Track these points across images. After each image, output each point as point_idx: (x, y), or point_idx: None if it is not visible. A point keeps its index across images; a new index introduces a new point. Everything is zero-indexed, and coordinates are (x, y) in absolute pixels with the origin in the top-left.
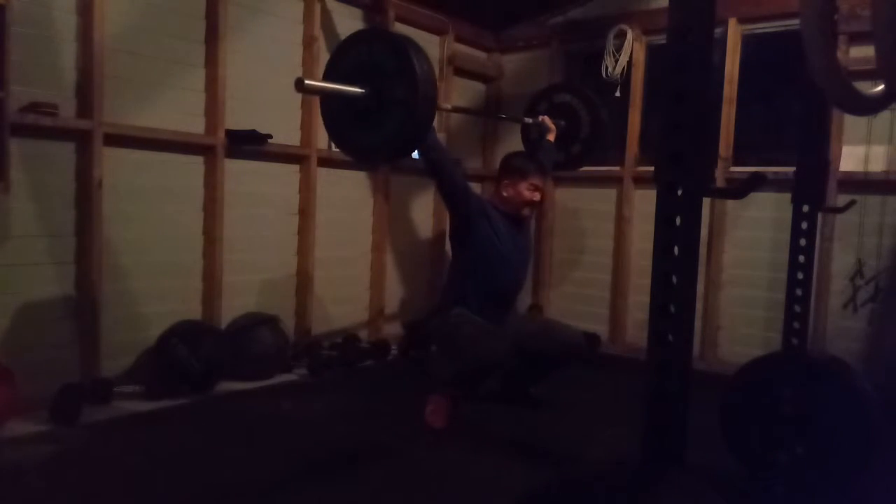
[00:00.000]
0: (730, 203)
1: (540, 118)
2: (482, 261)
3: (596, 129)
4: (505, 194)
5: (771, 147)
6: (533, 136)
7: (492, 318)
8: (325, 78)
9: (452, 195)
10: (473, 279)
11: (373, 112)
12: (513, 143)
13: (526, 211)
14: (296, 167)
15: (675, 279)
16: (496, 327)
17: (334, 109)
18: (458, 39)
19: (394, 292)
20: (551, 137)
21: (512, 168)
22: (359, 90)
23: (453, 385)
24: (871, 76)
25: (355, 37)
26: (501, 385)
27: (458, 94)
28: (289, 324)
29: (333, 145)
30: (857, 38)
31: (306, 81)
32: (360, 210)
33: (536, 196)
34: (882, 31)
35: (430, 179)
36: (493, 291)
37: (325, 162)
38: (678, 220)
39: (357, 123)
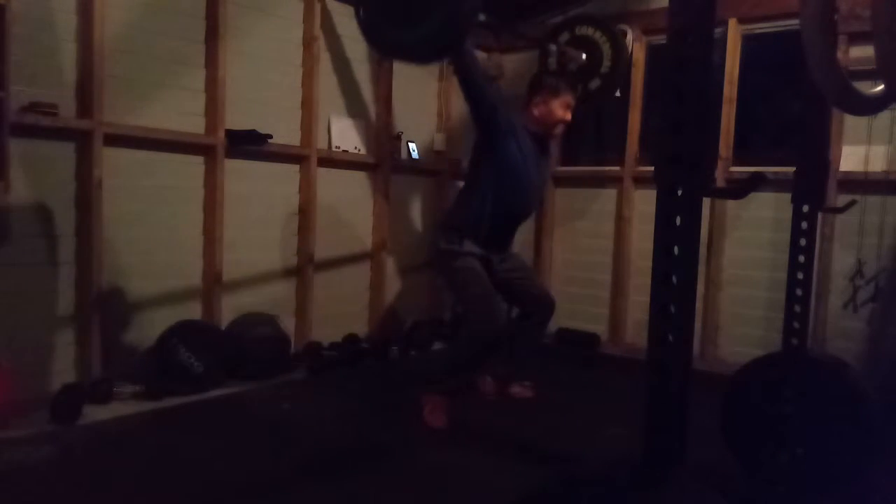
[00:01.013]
0: (730, 203)
1: (561, 48)
2: (503, 179)
3: (617, 65)
4: (536, 113)
5: (771, 147)
6: (553, 67)
7: (495, 244)
8: None
9: (480, 104)
10: (490, 198)
11: (411, 8)
12: None
13: (557, 130)
14: (296, 167)
15: (675, 279)
16: (493, 290)
17: (371, 5)
18: None
19: (394, 292)
20: (573, 67)
21: (544, 86)
22: None
23: (450, 376)
24: (871, 76)
25: None
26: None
27: (458, 93)
28: (289, 324)
29: (335, 146)
30: (857, 38)
31: None
32: (360, 210)
33: (568, 116)
34: (882, 31)
35: (461, 87)
36: (507, 212)
37: (325, 162)
38: (678, 220)
39: (396, 19)
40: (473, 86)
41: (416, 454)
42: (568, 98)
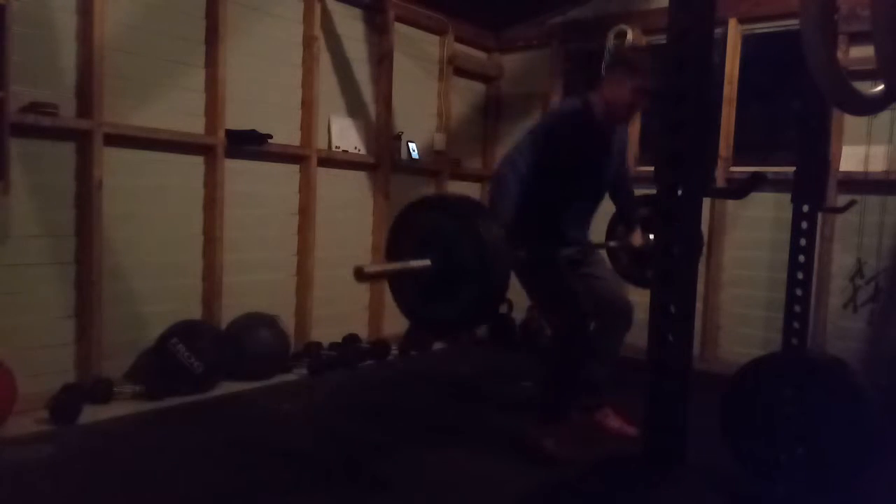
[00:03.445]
0: (730, 203)
1: (629, 237)
2: (557, 196)
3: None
4: (607, 94)
5: (771, 147)
6: (623, 261)
7: (569, 235)
8: (387, 253)
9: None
10: (545, 210)
11: (443, 284)
12: (509, 140)
13: (626, 117)
14: (296, 167)
15: (675, 279)
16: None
17: (402, 283)
18: (458, 39)
19: None
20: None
21: (623, 61)
22: (424, 263)
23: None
24: (871, 76)
25: (413, 206)
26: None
27: (458, 94)
28: (289, 324)
29: (335, 146)
30: (857, 38)
31: (366, 269)
32: (360, 210)
33: (641, 102)
34: (882, 31)
35: None
36: (569, 218)
37: (325, 162)
38: (678, 220)
39: (427, 296)
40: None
41: (416, 454)
42: (646, 81)
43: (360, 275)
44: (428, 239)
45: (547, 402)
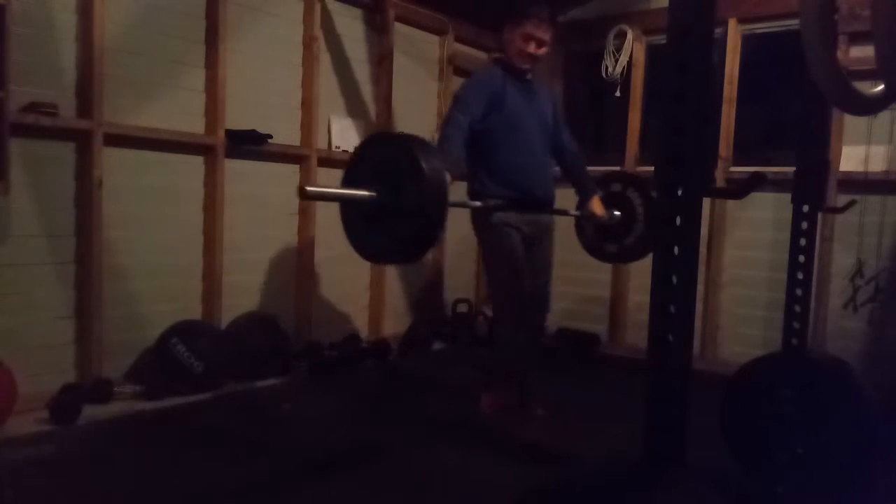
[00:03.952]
0: (730, 203)
1: (588, 206)
2: (497, 139)
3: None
4: (506, 49)
5: (771, 147)
6: (588, 232)
7: (524, 186)
8: (344, 182)
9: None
10: (491, 163)
11: (384, 216)
12: None
13: (523, 64)
14: (296, 167)
15: (675, 279)
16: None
17: (348, 211)
18: (458, 39)
19: (394, 292)
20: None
21: (512, 12)
22: (367, 194)
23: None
24: (871, 76)
25: (366, 141)
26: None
27: None
28: (289, 324)
29: (335, 146)
30: (857, 38)
31: (308, 189)
32: None
33: (532, 48)
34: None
35: None
36: (513, 167)
37: (325, 162)
38: (678, 220)
39: (369, 226)
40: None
41: (416, 454)
42: (533, 28)
43: (302, 193)
44: (377, 171)
45: (488, 368)
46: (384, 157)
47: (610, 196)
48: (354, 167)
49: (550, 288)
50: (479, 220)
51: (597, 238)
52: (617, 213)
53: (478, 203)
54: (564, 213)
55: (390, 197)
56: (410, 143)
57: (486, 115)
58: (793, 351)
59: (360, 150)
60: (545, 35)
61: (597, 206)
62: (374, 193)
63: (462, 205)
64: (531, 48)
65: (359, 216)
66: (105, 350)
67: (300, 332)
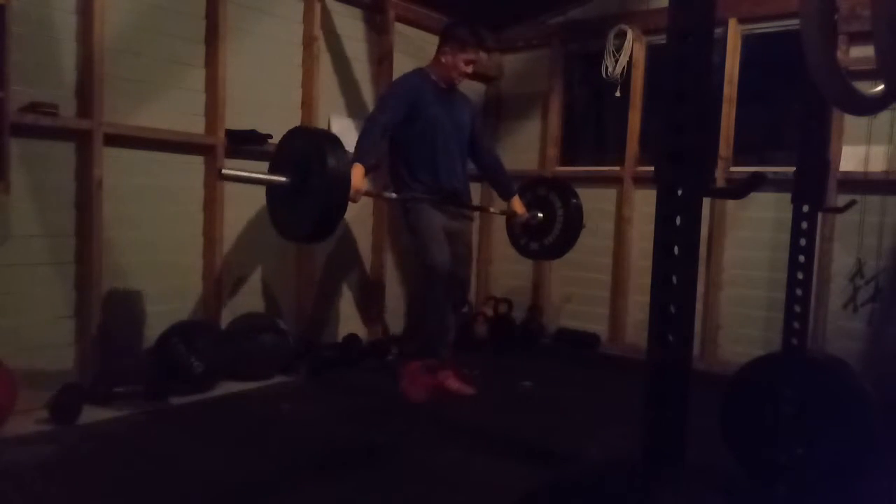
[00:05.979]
0: (730, 203)
1: (510, 206)
2: (416, 139)
3: (568, 226)
4: (443, 61)
5: (771, 147)
6: (516, 231)
7: (440, 178)
8: (270, 169)
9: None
10: (414, 159)
11: (296, 199)
12: (509, 140)
13: (458, 81)
14: None
15: (675, 279)
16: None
17: (271, 195)
18: None
19: (394, 292)
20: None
21: (455, 37)
22: (281, 179)
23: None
24: (871, 76)
25: (288, 134)
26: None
27: None
28: (289, 324)
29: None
30: (857, 38)
31: (224, 171)
32: (360, 210)
33: (470, 70)
34: (882, 31)
35: None
36: (430, 163)
37: None
38: (678, 220)
39: (284, 208)
40: (386, 138)
41: (415, 454)
42: (472, 55)
43: (219, 175)
44: (294, 161)
45: (410, 345)
46: (300, 148)
47: (535, 199)
48: (277, 156)
49: (470, 272)
50: (403, 205)
51: (522, 236)
52: (540, 214)
53: (394, 195)
54: (486, 210)
55: (302, 182)
56: (320, 137)
57: (407, 117)
58: (793, 351)
59: (282, 141)
60: (479, 57)
61: (517, 205)
62: (287, 179)
63: (377, 195)
64: (469, 69)
65: (277, 199)
66: (105, 350)
67: (300, 332)
